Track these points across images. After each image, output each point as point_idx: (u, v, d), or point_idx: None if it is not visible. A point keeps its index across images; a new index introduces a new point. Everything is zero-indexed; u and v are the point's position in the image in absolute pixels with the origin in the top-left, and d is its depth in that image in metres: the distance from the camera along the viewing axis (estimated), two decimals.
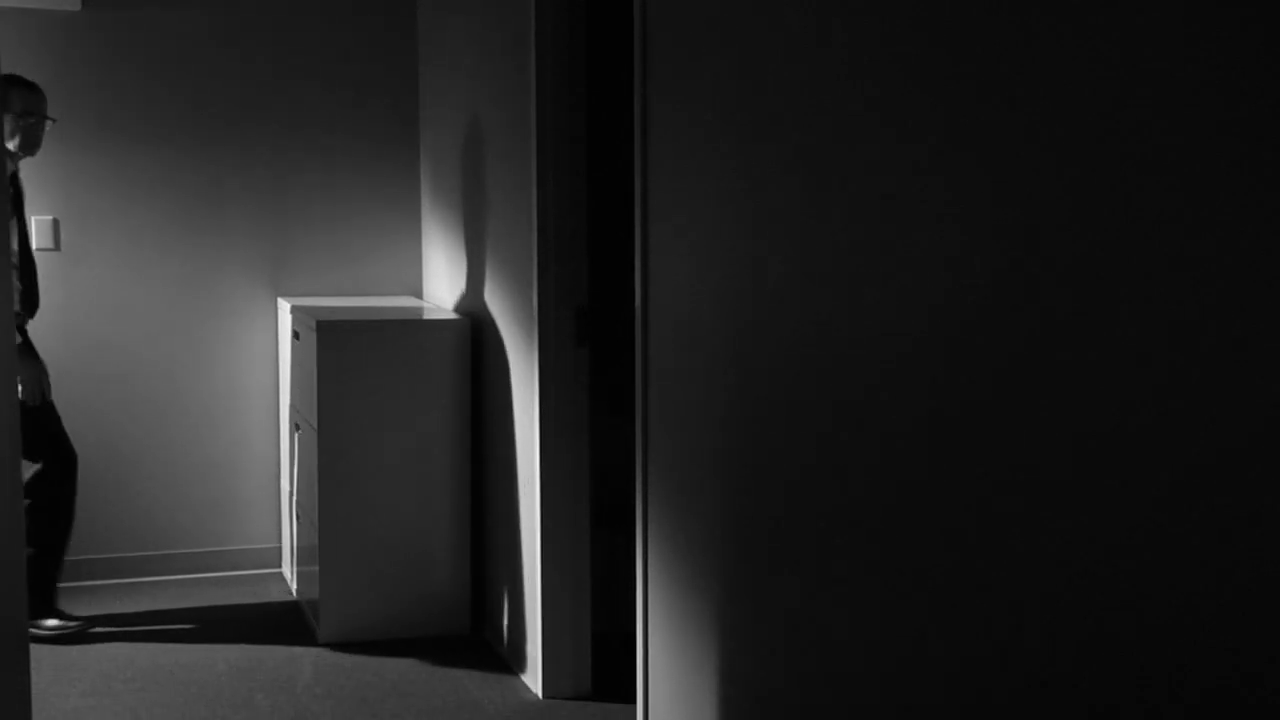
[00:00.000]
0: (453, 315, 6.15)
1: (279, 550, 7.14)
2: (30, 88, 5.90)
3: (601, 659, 5.43)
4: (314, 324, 5.84)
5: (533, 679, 5.39)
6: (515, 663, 5.61)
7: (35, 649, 5.76)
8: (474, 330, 6.05)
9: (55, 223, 6.78)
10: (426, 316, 6.13)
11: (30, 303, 5.82)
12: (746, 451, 3.68)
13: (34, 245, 6.41)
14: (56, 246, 6.78)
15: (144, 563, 6.98)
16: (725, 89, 3.73)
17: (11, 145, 5.77)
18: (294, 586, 6.67)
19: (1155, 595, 2.16)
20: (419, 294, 7.16)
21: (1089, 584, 2.31)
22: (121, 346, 6.90)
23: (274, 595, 6.71)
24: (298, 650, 5.85)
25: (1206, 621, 2.06)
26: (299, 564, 6.49)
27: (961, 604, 2.74)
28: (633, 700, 4.67)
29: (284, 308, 6.71)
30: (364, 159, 7.09)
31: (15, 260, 5.50)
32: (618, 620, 5.72)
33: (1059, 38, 2.33)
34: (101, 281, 6.85)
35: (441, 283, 6.71)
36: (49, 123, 6.03)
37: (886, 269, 2.96)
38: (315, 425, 5.89)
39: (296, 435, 6.39)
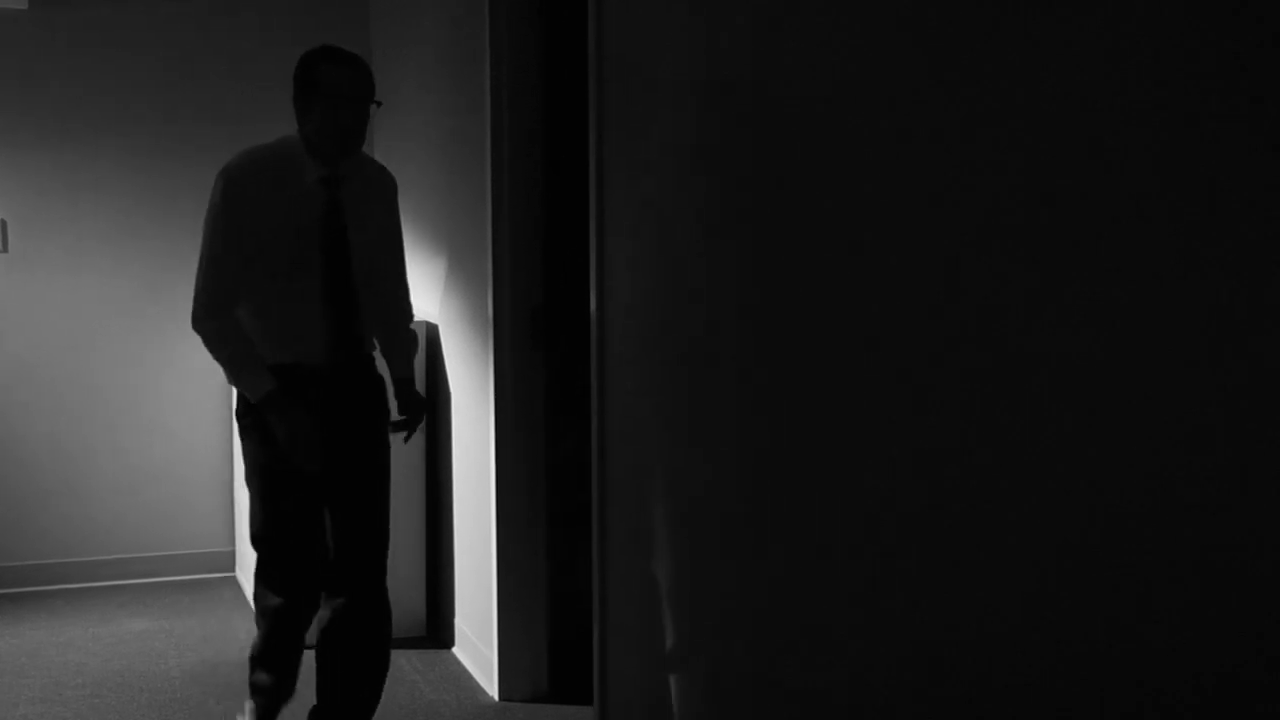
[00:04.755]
0: None
1: (232, 554, 7.09)
2: None
3: (558, 660, 5.40)
4: None
5: (489, 681, 5.36)
6: (472, 665, 5.59)
7: None
8: (429, 331, 6.02)
9: (3, 224, 6.73)
10: None
11: None
12: (702, 451, 3.67)
13: None
14: (4, 248, 6.73)
15: (95, 567, 6.93)
16: (679, 89, 3.71)
17: None
18: (247, 590, 6.63)
19: (1125, 588, 2.16)
20: None
21: (1053, 579, 2.30)
22: (71, 349, 6.85)
23: (227, 599, 6.67)
24: (252, 654, 5.81)
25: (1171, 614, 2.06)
26: (251, 568, 6.44)
27: (920, 599, 2.74)
28: (590, 701, 4.65)
29: None
30: None
31: None
32: (575, 621, 5.70)
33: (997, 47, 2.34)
34: (51, 284, 6.80)
35: None
36: None
37: (840, 269, 2.95)
38: None
39: None
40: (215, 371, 6.89)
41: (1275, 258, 1.81)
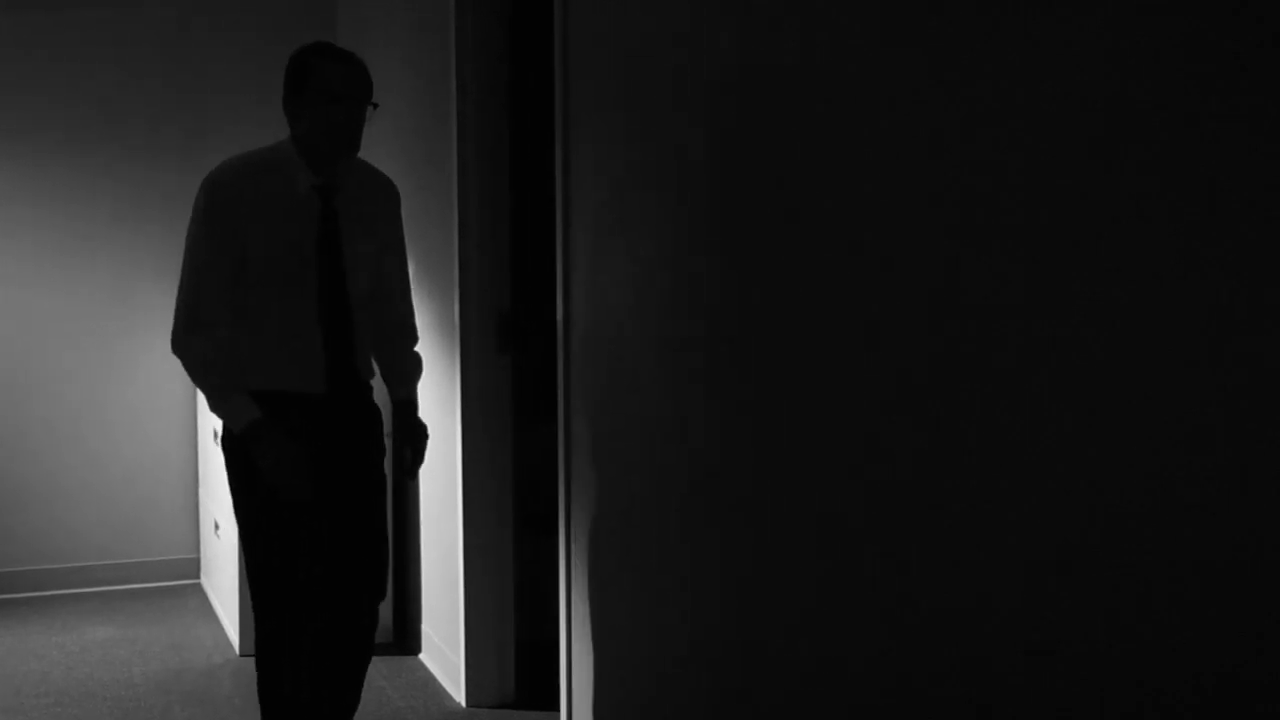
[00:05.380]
0: None
1: (197, 561, 7.05)
2: None
3: (525, 666, 5.38)
4: None
5: (456, 687, 5.34)
6: (439, 671, 5.57)
7: None
8: None
9: None
10: None
11: None
12: (669, 457, 3.67)
13: None
14: None
15: (59, 575, 6.87)
16: (647, 92, 3.71)
17: None
18: (212, 598, 6.59)
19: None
20: None
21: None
22: (34, 358, 6.80)
23: (192, 607, 6.62)
24: (217, 661, 5.78)
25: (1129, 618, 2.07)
26: (217, 575, 6.41)
27: (883, 605, 2.74)
28: (557, 707, 4.64)
29: None
30: None
31: None
32: (542, 627, 5.68)
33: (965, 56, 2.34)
34: (13, 292, 6.75)
35: None
36: None
37: (818, 269, 2.95)
38: None
39: (214, 445, 6.31)
40: (180, 378, 6.88)
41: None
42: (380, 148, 6.18)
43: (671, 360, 3.63)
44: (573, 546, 4.36)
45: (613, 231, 3.95)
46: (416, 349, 4.37)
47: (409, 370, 4.32)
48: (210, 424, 6.39)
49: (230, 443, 3.97)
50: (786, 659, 3.12)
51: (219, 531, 6.27)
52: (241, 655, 5.78)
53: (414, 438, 4.24)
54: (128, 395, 6.93)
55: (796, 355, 3.02)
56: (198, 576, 7.03)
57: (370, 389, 4.17)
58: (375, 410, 4.20)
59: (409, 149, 5.73)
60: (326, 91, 3.88)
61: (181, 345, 3.92)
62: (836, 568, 2.90)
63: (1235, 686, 1.92)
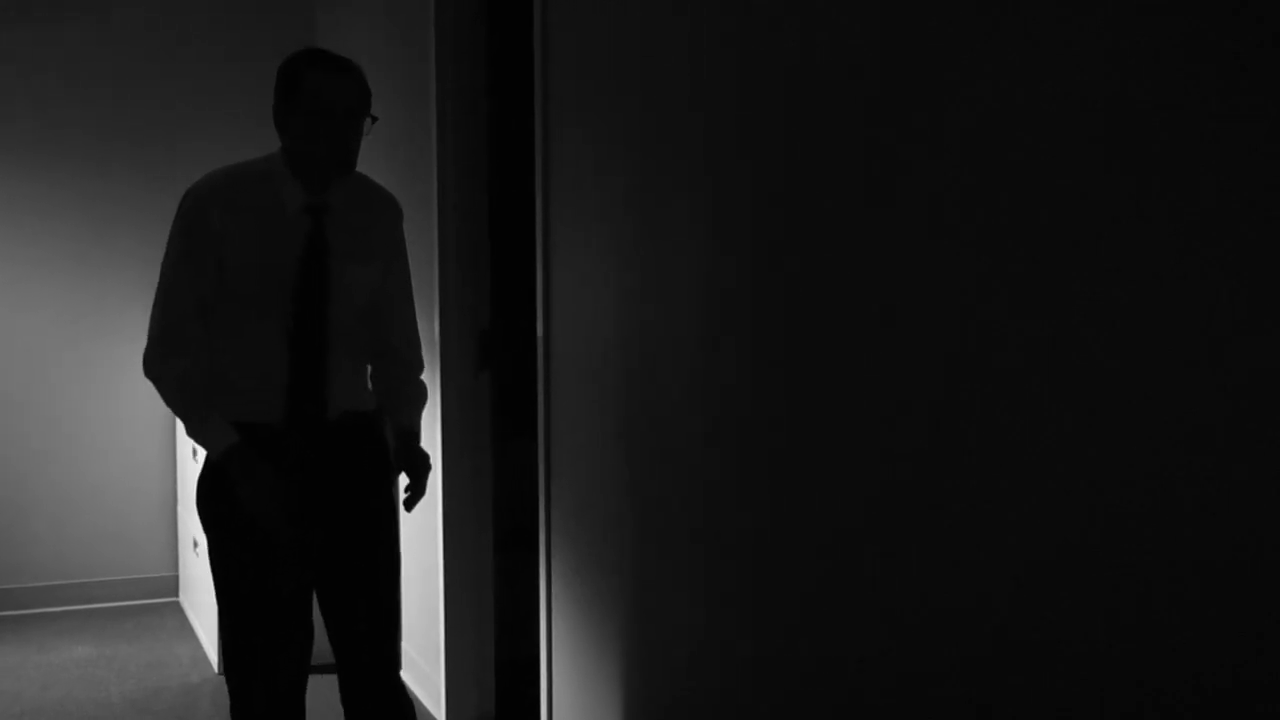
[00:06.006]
0: None
1: (176, 579, 7.01)
2: None
3: (506, 684, 5.37)
4: None
5: (436, 705, 5.32)
6: (419, 689, 5.54)
7: None
8: None
9: None
10: None
11: None
12: (649, 473, 3.67)
13: None
14: None
15: (35, 594, 6.83)
16: (625, 104, 3.71)
17: None
18: (191, 616, 6.55)
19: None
20: None
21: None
22: (10, 375, 6.77)
23: (170, 625, 6.59)
24: (195, 680, 5.75)
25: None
26: (196, 593, 6.38)
27: (863, 622, 2.75)
28: None
29: None
30: None
31: None
32: (523, 645, 5.67)
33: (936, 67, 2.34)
34: None
35: None
36: None
37: (791, 288, 2.95)
38: None
39: (193, 462, 6.28)
40: (157, 393, 6.83)
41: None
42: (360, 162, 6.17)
43: (654, 377, 3.62)
44: (553, 563, 4.36)
45: (594, 246, 3.95)
46: (422, 377, 4.03)
47: (409, 398, 3.97)
48: (188, 441, 6.36)
49: (207, 469, 3.70)
50: (778, 669, 3.11)
51: (198, 549, 6.24)
52: (220, 674, 5.75)
53: (415, 468, 3.89)
54: (105, 412, 6.90)
55: (783, 365, 3.02)
56: (176, 594, 6.99)
57: (371, 420, 3.88)
58: (380, 442, 3.89)
59: (389, 157, 5.72)
60: (317, 103, 3.57)
61: (154, 368, 3.69)
62: (831, 575, 2.89)
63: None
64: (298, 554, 3.66)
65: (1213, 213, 1.91)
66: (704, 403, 3.38)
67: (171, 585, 7.01)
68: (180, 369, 3.65)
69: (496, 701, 5.33)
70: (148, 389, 6.79)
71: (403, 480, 4.10)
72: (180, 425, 6.57)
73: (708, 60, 3.29)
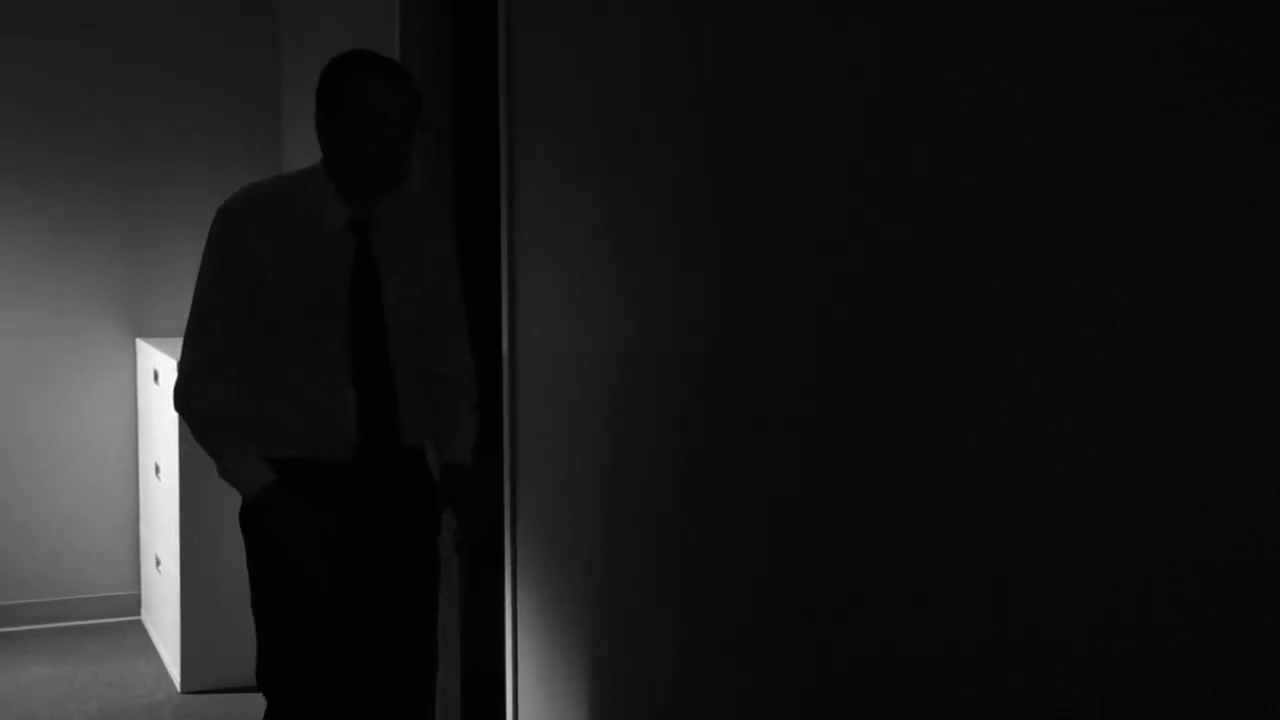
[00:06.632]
0: None
1: (138, 597, 6.94)
2: None
3: (472, 698, 5.34)
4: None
5: None
6: None
7: None
8: None
9: None
10: None
11: None
12: (615, 487, 3.66)
13: None
14: None
15: None
16: (592, 118, 3.70)
17: None
18: (153, 634, 6.50)
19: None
20: None
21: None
22: None
23: (132, 644, 6.52)
24: (158, 699, 5.70)
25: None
26: (158, 611, 6.33)
27: (838, 632, 2.75)
28: None
29: (143, 349, 6.53)
30: (226, 185, 6.93)
31: None
32: (488, 658, 5.64)
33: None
34: None
35: None
36: None
37: (761, 301, 2.95)
38: (176, 470, 5.75)
39: (156, 479, 6.24)
40: (121, 409, 6.80)
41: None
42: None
43: (621, 396, 3.62)
44: (519, 577, 4.34)
45: (558, 262, 3.94)
46: (473, 406, 3.78)
47: (465, 429, 3.72)
48: (152, 458, 6.32)
49: (245, 514, 3.49)
50: (747, 676, 3.11)
51: (160, 567, 6.19)
52: (183, 692, 5.70)
53: (467, 504, 3.67)
54: (65, 427, 6.82)
55: (750, 385, 3.02)
56: (138, 613, 6.92)
57: (422, 454, 3.68)
58: (429, 480, 3.70)
59: None
60: (361, 107, 3.32)
61: (184, 401, 3.45)
62: (806, 579, 2.89)
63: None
64: (334, 576, 3.44)
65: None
66: (671, 416, 3.37)
67: (133, 604, 6.94)
68: (211, 403, 3.43)
69: (462, 714, 5.30)
70: (112, 405, 6.79)
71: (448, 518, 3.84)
72: (144, 439, 6.54)
73: (689, 68, 3.29)
